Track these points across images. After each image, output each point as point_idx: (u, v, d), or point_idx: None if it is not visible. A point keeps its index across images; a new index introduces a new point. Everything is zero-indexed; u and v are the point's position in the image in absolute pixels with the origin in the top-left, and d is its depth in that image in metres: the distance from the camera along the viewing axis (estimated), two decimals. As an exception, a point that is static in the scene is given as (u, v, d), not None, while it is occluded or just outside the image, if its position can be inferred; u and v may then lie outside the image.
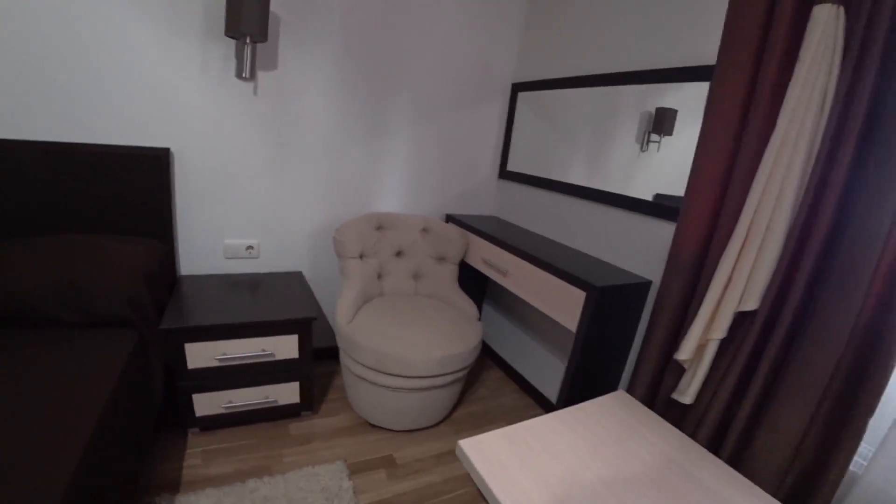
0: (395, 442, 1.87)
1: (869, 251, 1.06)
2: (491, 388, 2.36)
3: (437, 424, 2.01)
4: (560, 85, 2.12)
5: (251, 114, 1.94)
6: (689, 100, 1.55)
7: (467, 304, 2.12)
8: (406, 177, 2.35)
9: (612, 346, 1.74)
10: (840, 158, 1.11)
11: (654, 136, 1.70)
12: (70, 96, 1.64)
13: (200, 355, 1.64)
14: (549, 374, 2.21)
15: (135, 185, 1.77)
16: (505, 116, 2.50)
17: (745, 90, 1.30)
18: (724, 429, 1.34)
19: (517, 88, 2.40)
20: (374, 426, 1.93)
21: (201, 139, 1.88)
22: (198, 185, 1.93)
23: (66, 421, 1.05)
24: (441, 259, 2.24)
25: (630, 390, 1.58)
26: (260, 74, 1.91)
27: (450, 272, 2.22)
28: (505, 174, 2.52)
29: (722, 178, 1.36)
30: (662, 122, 1.68)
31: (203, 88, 1.83)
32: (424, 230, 2.23)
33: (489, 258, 2.06)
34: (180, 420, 1.72)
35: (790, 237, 1.19)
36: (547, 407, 2.18)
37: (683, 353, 1.36)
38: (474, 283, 2.51)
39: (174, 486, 1.53)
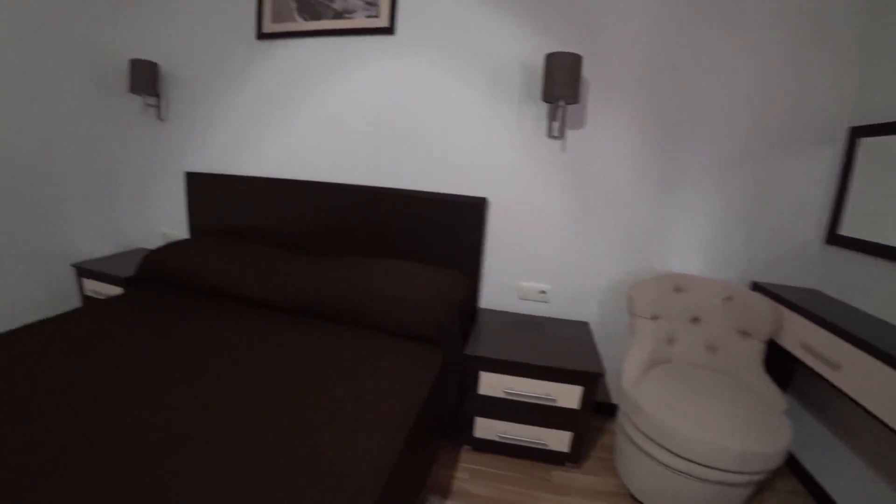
0: (658, 527, 1.69)
1: None
2: (782, 501, 1.91)
3: (713, 526, 1.72)
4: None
5: (557, 169, 2.14)
6: None
7: (773, 394, 1.78)
8: (704, 235, 2.14)
9: None
10: None
11: None
12: (416, 154, 2.22)
13: (491, 385, 1.83)
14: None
15: (455, 227, 2.14)
16: (838, 169, 2.04)
17: None
18: None
19: (857, 133, 1.93)
20: (636, 500, 1.79)
21: (512, 190, 2.18)
22: (504, 231, 2.23)
23: (390, 413, 1.30)
24: (744, 334, 1.94)
25: None
26: (568, 133, 2.06)
27: (753, 350, 1.90)
28: (835, 239, 2.03)
29: None
30: None
31: (518, 146, 2.13)
32: (727, 298, 1.98)
33: (812, 344, 1.68)
34: (459, 435, 1.95)
35: None
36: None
37: None
38: (776, 367, 2.07)
39: (444, 492, 1.73)
